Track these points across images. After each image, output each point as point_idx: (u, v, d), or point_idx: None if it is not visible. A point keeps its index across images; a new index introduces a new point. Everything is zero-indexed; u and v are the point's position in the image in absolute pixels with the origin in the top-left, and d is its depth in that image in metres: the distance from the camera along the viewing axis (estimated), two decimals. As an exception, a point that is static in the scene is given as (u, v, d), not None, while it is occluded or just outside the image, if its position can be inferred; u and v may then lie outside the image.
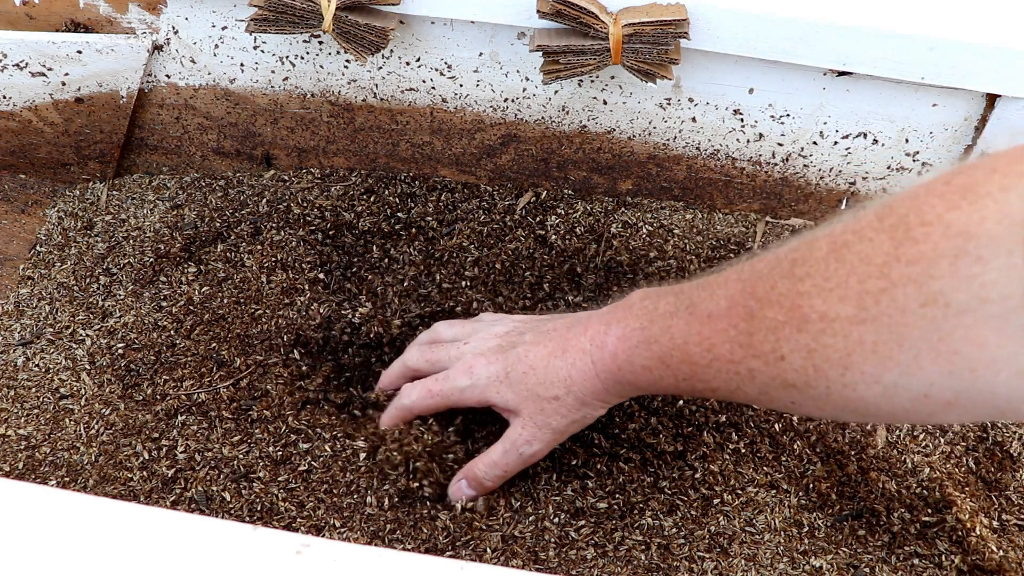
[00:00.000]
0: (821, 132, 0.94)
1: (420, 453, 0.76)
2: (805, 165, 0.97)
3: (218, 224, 0.98)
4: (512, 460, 0.72)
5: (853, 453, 0.79)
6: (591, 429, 0.80)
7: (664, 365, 0.61)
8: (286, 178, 1.03)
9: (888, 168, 0.95)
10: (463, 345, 0.76)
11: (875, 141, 0.93)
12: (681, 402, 0.83)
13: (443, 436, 0.77)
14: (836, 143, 0.94)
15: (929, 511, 0.76)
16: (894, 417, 0.54)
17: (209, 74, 0.98)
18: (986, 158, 0.47)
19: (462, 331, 0.78)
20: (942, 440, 0.82)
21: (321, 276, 0.93)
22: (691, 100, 0.93)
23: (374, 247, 0.96)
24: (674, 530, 0.74)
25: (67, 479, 0.78)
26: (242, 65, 0.97)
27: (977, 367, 0.46)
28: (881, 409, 0.52)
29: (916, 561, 0.73)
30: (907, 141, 0.93)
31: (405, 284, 0.93)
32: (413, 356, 0.79)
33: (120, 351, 0.87)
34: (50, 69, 0.95)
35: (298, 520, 0.75)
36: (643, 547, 0.73)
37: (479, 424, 0.79)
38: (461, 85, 0.95)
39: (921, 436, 0.82)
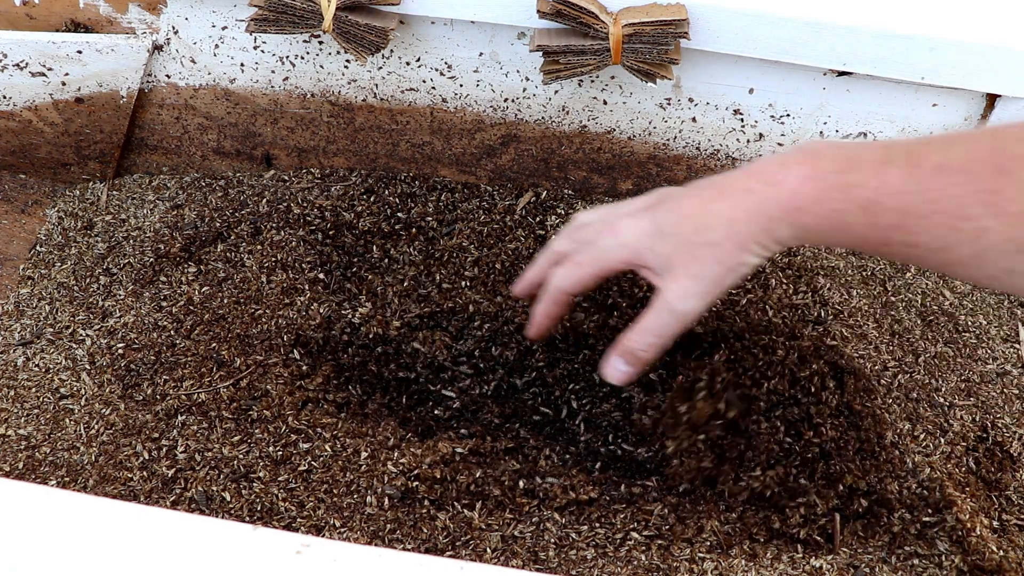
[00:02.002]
0: (821, 132, 0.94)
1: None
2: (805, 165, 0.97)
3: (218, 224, 0.98)
4: (666, 320, 0.66)
5: (853, 453, 0.80)
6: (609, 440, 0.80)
7: (864, 211, 0.58)
8: (286, 178, 1.03)
9: (888, 168, 0.95)
10: (608, 217, 0.71)
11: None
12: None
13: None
14: (836, 143, 0.94)
15: (929, 511, 0.76)
16: None
17: (209, 74, 0.98)
18: None
19: (603, 212, 0.73)
20: (942, 440, 0.82)
21: (321, 276, 0.93)
22: (691, 100, 0.93)
23: (374, 247, 0.96)
24: (680, 528, 0.74)
25: (67, 479, 0.78)
26: (242, 65, 0.97)
27: None
28: None
29: (916, 561, 0.73)
30: (907, 141, 0.93)
31: (405, 284, 0.93)
32: (557, 242, 0.74)
33: (120, 351, 0.87)
34: (50, 69, 0.95)
35: (298, 520, 0.75)
36: (643, 547, 0.73)
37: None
38: (461, 85, 0.95)
39: (922, 436, 0.82)
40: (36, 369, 0.87)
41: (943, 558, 0.74)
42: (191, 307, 0.90)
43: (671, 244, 0.65)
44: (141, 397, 0.84)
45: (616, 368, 0.70)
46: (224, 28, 0.94)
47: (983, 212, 0.54)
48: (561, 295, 0.71)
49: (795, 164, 0.61)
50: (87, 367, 0.86)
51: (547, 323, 0.73)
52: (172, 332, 0.88)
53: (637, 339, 0.68)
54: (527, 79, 0.94)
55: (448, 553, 0.72)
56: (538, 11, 0.84)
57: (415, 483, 0.76)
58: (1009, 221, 0.53)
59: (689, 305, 0.65)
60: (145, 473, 0.78)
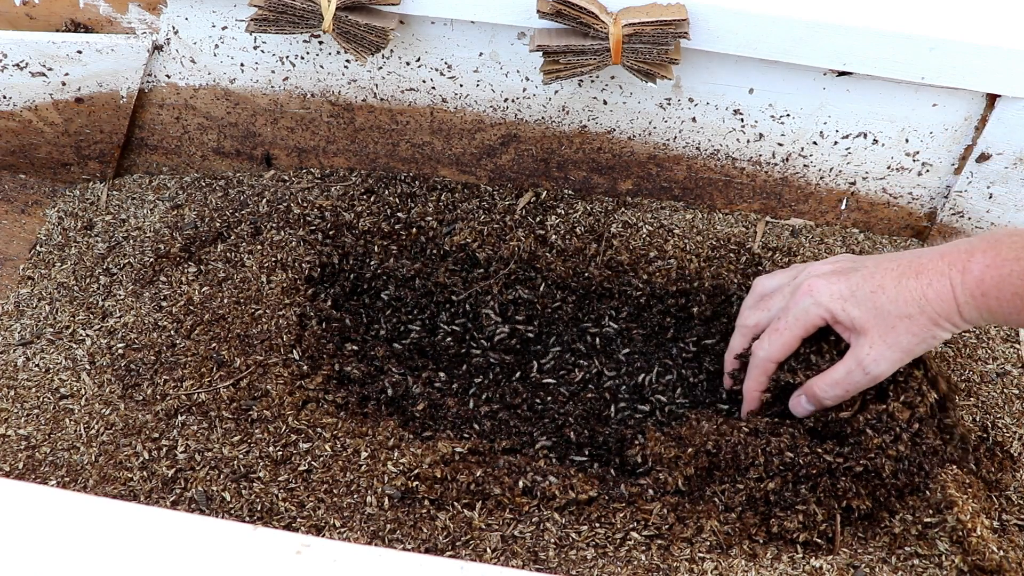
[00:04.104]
0: (821, 132, 0.94)
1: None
2: (805, 165, 0.97)
3: (218, 224, 0.98)
4: (857, 379, 0.73)
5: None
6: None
7: None
8: (286, 178, 1.03)
9: (888, 168, 0.95)
10: (793, 281, 0.76)
11: (875, 141, 0.93)
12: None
13: None
14: (836, 143, 0.94)
15: (929, 511, 0.76)
16: None
17: (209, 74, 0.98)
18: None
19: (784, 276, 0.79)
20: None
21: (321, 276, 0.93)
22: (691, 100, 0.93)
23: (374, 247, 0.96)
24: (680, 528, 0.74)
25: (67, 479, 0.78)
26: (242, 65, 0.97)
27: None
28: None
29: (916, 561, 0.73)
30: (907, 141, 0.93)
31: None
32: (747, 317, 0.80)
33: (120, 351, 0.87)
34: (50, 69, 0.95)
35: (298, 520, 0.75)
36: (643, 547, 0.73)
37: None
38: (461, 85, 0.95)
39: (921, 436, 0.82)
40: (36, 369, 0.87)
41: (943, 558, 0.74)
42: (191, 307, 0.90)
43: (863, 309, 0.71)
44: (141, 397, 0.84)
45: (802, 405, 0.77)
46: (224, 28, 0.94)
47: None
48: (771, 365, 0.77)
49: (979, 252, 0.68)
50: (87, 367, 0.86)
51: (761, 396, 0.78)
52: (172, 332, 0.88)
53: (827, 389, 0.74)
54: (527, 79, 0.94)
55: (448, 553, 0.72)
56: (538, 11, 0.84)
57: (415, 483, 0.76)
58: None
59: (881, 368, 0.72)
60: (145, 473, 0.78)
